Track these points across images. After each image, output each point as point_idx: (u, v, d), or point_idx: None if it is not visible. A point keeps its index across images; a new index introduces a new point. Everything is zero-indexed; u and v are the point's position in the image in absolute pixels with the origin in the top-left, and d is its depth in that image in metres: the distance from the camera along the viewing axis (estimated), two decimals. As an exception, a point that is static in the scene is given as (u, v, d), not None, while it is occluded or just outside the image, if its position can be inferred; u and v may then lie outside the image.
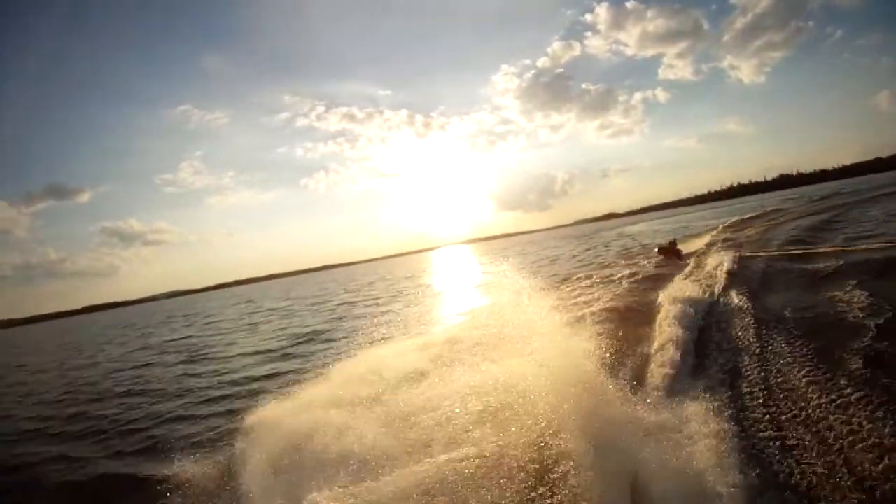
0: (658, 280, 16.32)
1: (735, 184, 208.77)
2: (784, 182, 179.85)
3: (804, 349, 7.61)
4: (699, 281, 14.73)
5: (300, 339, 18.96)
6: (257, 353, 17.71)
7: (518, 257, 49.33)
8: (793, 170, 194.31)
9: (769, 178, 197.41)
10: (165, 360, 20.06)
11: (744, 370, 7.46)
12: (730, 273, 15.06)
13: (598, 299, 14.33)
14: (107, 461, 9.73)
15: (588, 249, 43.33)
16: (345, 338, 17.49)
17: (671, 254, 24.70)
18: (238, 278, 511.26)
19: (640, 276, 17.79)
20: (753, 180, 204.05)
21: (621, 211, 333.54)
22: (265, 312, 35.66)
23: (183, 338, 28.22)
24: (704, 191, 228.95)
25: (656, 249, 26.26)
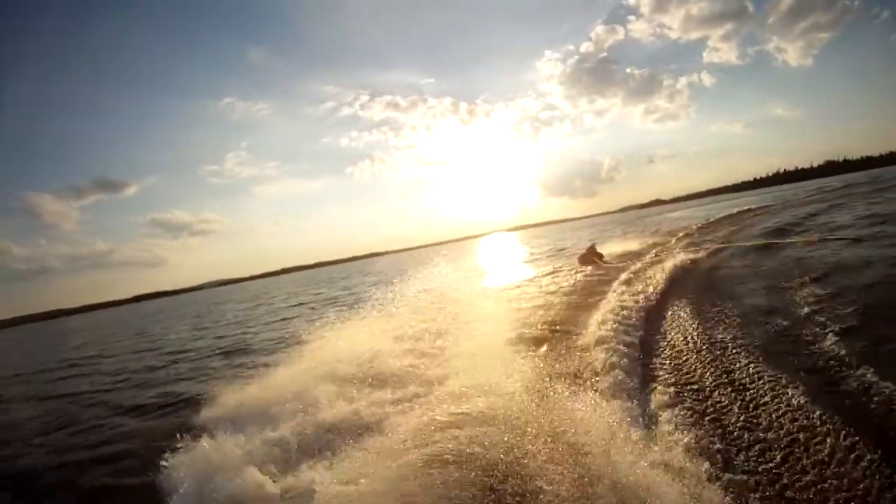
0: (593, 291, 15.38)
1: (781, 170, 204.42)
2: (830, 169, 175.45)
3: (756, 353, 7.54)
4: (640, 286, 14.23)
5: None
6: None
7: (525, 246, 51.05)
8: (839, 156, 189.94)
9: (815, 164, 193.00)
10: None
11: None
12: (672, 275, 15.35)
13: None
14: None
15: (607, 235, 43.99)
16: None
17: (592, 259, 25.39)
18: (285, 266, 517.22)
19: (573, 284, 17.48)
20: (800, 167, 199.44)
21: (667, 197, 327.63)
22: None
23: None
24: (750, 177, 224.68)
25: (577, 259, 26.28)
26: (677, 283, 14.76)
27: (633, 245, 29.91)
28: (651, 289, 13.80)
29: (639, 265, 19.48)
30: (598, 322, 10.60)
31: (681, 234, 31.89)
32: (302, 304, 35.44)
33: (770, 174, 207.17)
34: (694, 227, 36.50)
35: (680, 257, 19.20)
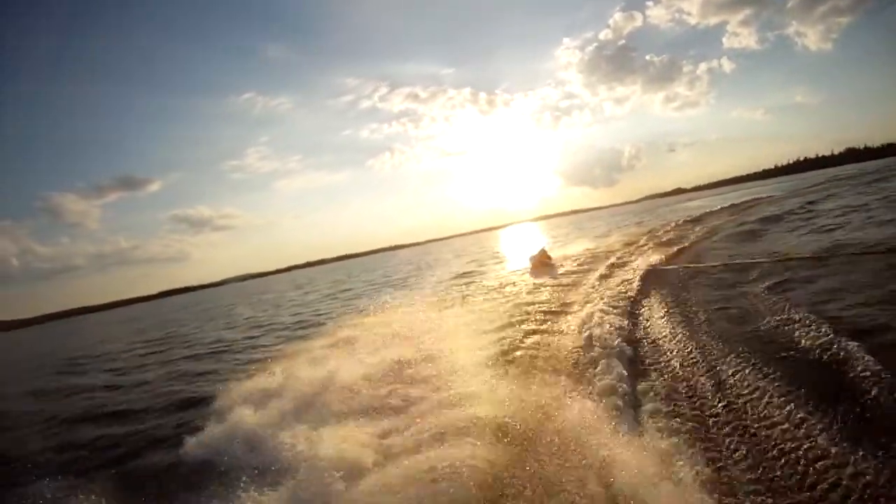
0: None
1: (802, 158, 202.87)
2: (851, 156, 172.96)
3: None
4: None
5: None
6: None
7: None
8: (860, 143, 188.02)
9: (836, 152, 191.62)
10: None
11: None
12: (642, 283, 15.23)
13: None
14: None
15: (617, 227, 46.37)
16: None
17: (543, 263, 26.35)
18: (309, 260, 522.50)
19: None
20: (821, 154, 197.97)
21: (688, 186, 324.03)
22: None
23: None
24: (771, 165, 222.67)
25: (528, 262, 27.62)
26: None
27: (590, 246, 32.01)
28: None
29: (588, 271, 20.73)
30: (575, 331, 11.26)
31: (649, 236, 31.23)
32: (347, 290, 38.98)
33: (790, 162, 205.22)
34: (673, 223, 36.93)
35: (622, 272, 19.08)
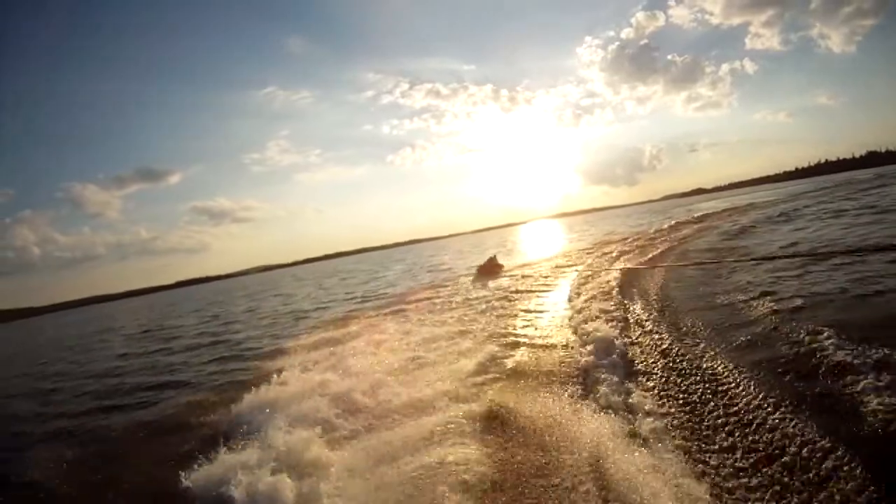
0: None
1: (823, 161, 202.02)
2: (872, 160, 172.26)
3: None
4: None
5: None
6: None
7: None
8: (881, 146, 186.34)
9: (857, 155, 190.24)
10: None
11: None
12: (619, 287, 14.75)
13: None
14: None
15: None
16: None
17: (491, 270, 26.69)
18: (328, 252, 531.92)
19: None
20: (841, 157, 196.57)
21: (709, 186, 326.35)
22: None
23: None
24: (792, 167, 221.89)
25: (475, 269, 28.24)
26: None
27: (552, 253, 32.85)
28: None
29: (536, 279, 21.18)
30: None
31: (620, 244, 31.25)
32: (377, 278, 41.74)
33: (811, 164, 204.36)
34: (651, 230, 37.98)
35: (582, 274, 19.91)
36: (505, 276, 24.14)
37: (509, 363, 9.53)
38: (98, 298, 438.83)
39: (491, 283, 22.24)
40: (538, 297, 16.75)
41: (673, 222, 40.45)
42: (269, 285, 70.06)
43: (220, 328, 24.76)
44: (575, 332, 11.12)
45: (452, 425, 6.78)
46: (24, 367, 23.70)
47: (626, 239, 34.44)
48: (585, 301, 13.73)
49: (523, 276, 22.65)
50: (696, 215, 45.84)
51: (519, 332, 12.11)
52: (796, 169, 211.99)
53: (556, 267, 24.15)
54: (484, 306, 16.21)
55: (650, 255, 22.32)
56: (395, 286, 30.41)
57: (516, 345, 10.92)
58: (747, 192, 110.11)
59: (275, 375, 10.44)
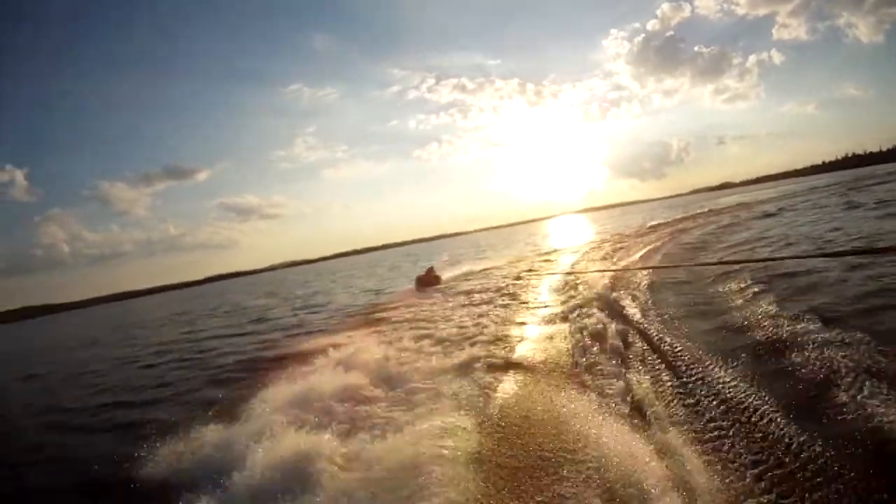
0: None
1: (850, 154, 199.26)
2: None
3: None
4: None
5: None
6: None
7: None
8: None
9: (885, 148, 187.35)
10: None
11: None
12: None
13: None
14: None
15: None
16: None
17: (430, 282, 25.07)
18: (355, 248, 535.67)
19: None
20: (869, 150, 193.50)
21: (737, 180, 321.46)
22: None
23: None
24: (820, 160, 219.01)
25: (415, 281, 26.03)
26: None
27: (496, 262, 31.98)
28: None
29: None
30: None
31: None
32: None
33: (838, 158, 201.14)
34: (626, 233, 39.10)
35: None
36: (437, 292, 22.05)
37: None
38: (127, 294, 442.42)
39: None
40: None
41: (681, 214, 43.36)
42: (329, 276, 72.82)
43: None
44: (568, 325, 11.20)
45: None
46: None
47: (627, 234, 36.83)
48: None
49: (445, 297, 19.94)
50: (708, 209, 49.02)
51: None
52: (823, 163, 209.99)
53: (513, 281, 20.84)
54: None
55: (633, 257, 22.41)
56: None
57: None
58: (774, 187, 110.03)
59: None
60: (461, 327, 12.75)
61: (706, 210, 48.81)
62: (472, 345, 10.48)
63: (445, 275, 27.54)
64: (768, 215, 31.34)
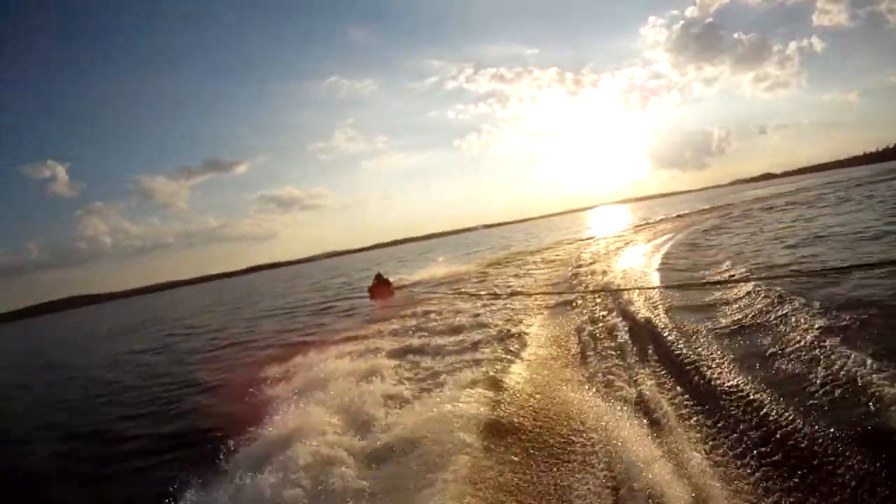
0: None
1: (893, 145, 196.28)
2: None
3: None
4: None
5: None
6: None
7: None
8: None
9: None
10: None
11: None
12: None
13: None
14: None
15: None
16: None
17: (382, 291, 23.51)
18: (396, 238, 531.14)
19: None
20: None
21: (778, 171, 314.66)
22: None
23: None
24: (861, 151, 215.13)
25: (368, 294, 24.15)
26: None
27: (458, 268, 31.02)
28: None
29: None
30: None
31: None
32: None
33: (879, 149, 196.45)
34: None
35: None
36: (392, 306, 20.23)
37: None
38: (169, 284, 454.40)
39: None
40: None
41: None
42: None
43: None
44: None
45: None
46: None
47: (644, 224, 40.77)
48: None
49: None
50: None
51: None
52: (864, 154, 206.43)
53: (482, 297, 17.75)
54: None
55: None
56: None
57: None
58: (814, 178, 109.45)
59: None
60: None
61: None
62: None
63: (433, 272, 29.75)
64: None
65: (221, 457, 6.97)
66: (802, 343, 7.15)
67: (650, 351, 8.43)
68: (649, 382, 7.13)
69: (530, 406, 7.01)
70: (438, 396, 7.66)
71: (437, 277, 27.95)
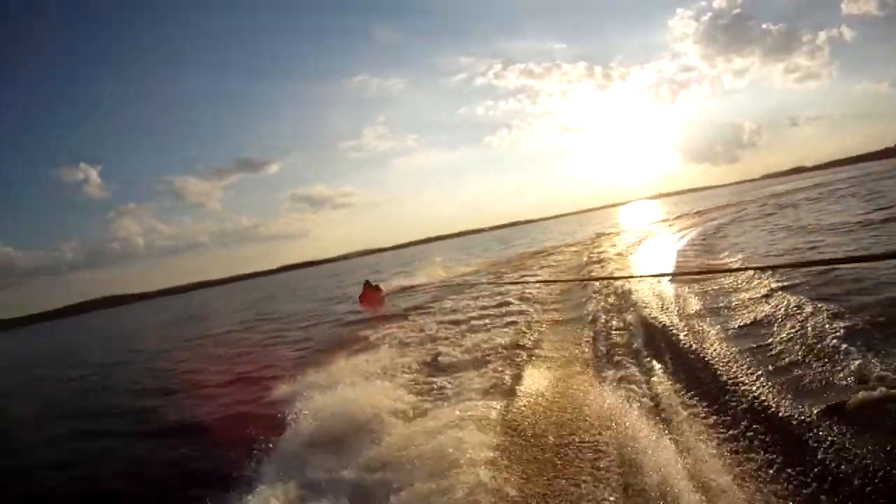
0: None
1: None
2: None
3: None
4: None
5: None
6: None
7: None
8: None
9: None
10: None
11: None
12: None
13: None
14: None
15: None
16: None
17: (373, 299, 23.14)
18: (428, 236, 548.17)
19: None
20: None
21: (809, 164, 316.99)
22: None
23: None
24: (893, 143, 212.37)
25: (359, 299, 24.17)
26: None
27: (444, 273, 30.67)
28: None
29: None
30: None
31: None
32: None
33: None
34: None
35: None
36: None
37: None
38: (202, 284, 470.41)
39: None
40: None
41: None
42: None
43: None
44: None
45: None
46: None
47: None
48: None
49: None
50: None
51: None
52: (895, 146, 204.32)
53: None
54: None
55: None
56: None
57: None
58: (845, 171, 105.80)
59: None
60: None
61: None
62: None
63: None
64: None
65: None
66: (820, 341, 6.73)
67: (662, 346, 8.51)
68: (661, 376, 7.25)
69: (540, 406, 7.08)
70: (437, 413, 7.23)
71: (441, 279, 28.05)
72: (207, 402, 12.13)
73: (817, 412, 4.98)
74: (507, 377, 8.35)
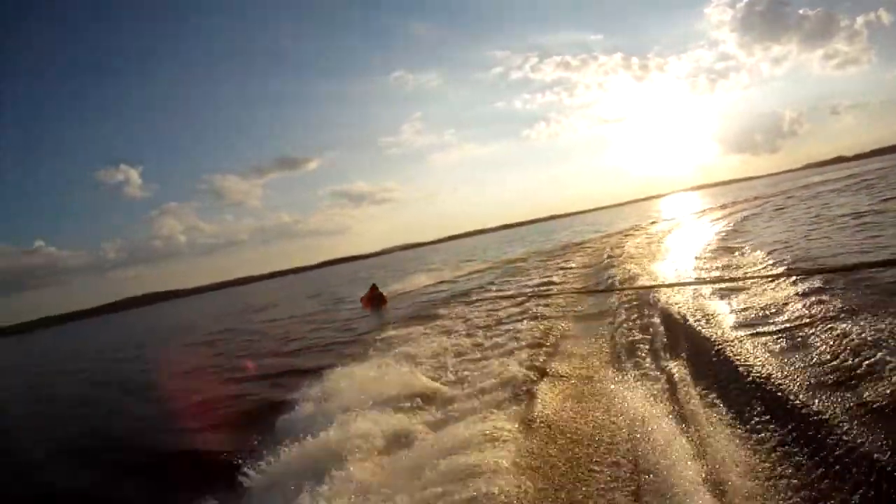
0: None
1: None
2: None
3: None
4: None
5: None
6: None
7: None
8: None
9: None
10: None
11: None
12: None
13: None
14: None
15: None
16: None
17: (377, 300, 23.38)
18: (468, 230, 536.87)
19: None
20: None
21: (850, 154, 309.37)
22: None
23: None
24: None
25: (361, 301, 24.56)
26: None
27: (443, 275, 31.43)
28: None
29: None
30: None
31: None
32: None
33: None
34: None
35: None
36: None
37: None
38: (243, 280, 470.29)
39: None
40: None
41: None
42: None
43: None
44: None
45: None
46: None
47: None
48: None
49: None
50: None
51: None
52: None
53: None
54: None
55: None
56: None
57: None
58: (880, 161, 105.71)
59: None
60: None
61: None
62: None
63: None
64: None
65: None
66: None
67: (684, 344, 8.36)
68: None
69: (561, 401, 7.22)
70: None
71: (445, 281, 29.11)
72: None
73: (848, 414, 4.77)
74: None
